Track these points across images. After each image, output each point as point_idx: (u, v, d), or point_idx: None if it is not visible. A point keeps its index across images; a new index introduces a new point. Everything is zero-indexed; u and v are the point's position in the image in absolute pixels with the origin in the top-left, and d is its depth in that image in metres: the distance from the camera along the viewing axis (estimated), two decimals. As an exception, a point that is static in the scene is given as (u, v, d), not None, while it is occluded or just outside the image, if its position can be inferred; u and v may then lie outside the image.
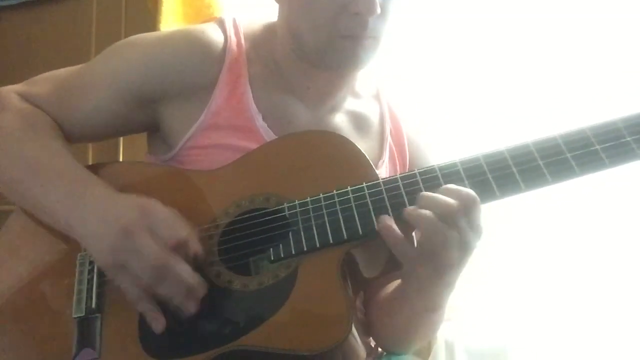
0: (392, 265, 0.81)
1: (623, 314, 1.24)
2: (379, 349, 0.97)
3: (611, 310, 1.25)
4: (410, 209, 0.72)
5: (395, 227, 0.72)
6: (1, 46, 1.87)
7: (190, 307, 0.73)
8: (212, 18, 1.60)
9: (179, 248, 0.72)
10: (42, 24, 1.85)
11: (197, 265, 0.75)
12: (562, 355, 1.26)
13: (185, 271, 0.71)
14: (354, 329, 0.72)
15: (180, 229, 0.73)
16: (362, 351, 0.75)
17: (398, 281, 0.89)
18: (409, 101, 1.07)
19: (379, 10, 0.81)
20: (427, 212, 0.70)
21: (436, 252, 0.71)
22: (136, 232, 0.71)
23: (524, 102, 1.36)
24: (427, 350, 1.38)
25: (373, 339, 0.96)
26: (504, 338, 1.32)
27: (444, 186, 0.73)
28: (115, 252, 0.72)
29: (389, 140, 0.98)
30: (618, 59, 1.29)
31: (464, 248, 0.71)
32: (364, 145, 0.83)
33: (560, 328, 1.28)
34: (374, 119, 0.98)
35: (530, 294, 1.34)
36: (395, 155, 0.98)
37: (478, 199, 0.71)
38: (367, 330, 0.94)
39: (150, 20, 1.60)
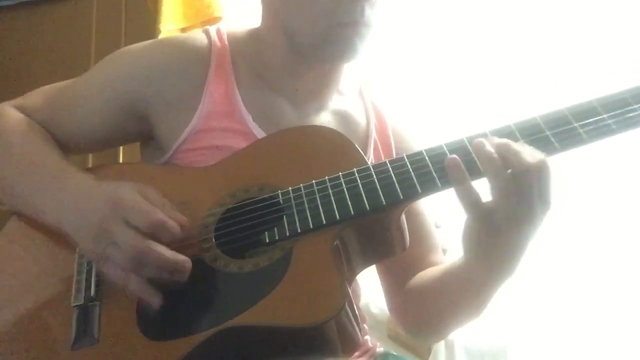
0: (385, 253, 0.83)
1: (623, 314, 1.24)
2: (377, 349, 0.97)
3: (611, 310, 1.26)
4: (480, 141, 0.72)
5: (463, 166, 0.72)
6: (1, 46, 1.87)
7: (179, 281, 0.74)
8: (212, 18, 1.62)
9: (156, 230, 0.74)
10: (42, 24, 1.85)
11: (184, 240, 0.76)
12: (562, 355, 1.26)
13: (163, 252, 0.73)
14: (351, 316, 0.72)
15: (152, 213, 0.74)
16: (358, 337, 0.76)
17: (436, 267, 0.92)
18: (392, 96, 1.09)
19: None
20: (495, 153, 0.70)
21: (495, 197, 0.70)
22: (110, 225, 0.73)
23: (509, 94, 1.37)
24: (427, 350, 1.38)
25: (404, 326, 0.98)
26: (504, 338, 1.32)
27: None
28: (96, 245, 0.74)
29: (373, 135, 1.01)
30: (615, 58, 1.29)
31: (520, 199, 0.69)
32: None
33: (560, 328, 1.28)
34: (359, 116, 1.01)
35: (530, 293, 1.34)
36: (380, 149, 1.00)
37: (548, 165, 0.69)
38: (362, 318, 0.95)
39: (150, 20, 1.61)
